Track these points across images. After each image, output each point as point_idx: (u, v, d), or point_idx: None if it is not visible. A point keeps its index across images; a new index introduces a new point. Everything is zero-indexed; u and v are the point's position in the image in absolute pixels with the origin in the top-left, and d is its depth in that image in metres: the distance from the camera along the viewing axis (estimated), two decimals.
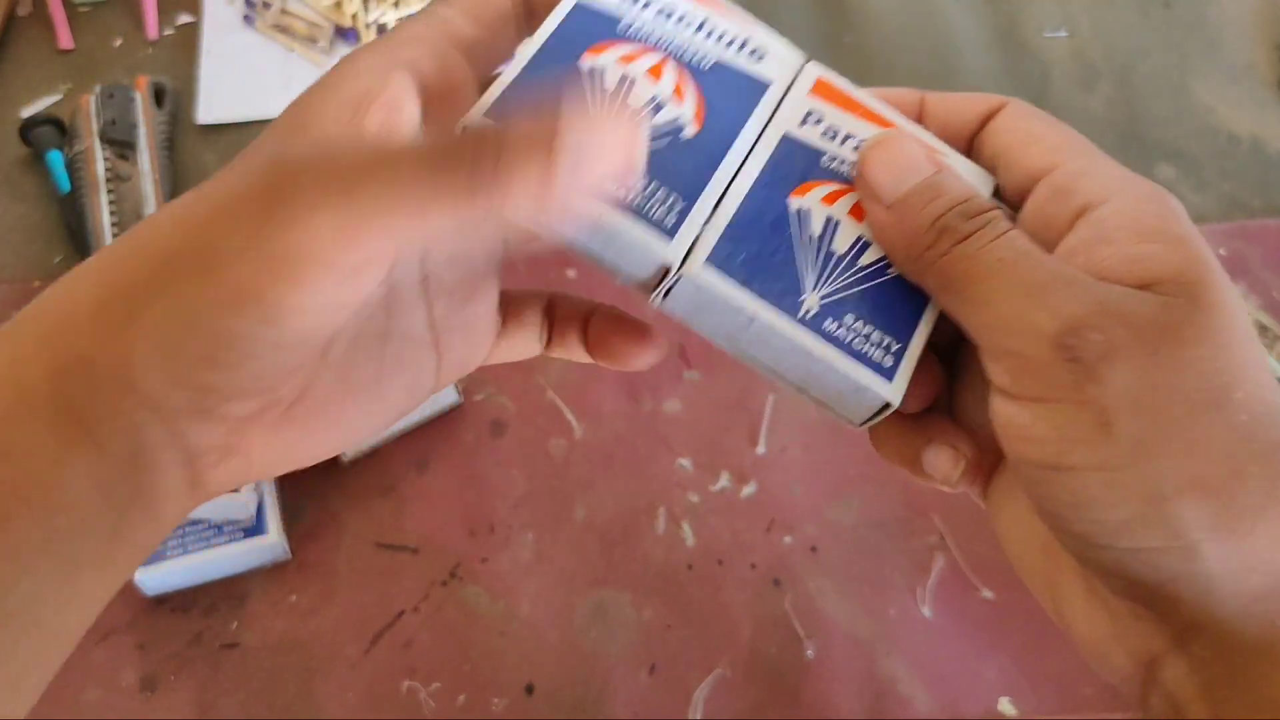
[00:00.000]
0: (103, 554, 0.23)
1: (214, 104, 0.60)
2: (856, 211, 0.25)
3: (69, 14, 0.63)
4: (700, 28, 0.26)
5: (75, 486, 0.21)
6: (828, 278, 0.24)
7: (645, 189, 0.23)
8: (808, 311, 0.24)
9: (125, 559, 0.24)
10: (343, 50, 0.62)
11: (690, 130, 0.24)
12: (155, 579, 0.44)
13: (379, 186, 0.20)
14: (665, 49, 0.25)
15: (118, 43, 0.63)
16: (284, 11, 0.63)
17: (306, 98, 0.24)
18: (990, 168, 0.26)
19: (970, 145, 0.26)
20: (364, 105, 0.23)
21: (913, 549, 0.48)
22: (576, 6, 0.25)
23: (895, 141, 0.24)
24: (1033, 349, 0.21)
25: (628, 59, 0.25)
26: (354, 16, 0.62)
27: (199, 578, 0.45)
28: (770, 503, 0.49)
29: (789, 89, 0.26)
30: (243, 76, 0.61)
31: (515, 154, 0.19)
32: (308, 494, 0.48)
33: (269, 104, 0.60)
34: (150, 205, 0.54)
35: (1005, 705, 0.44)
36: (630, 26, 0.25)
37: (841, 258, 0.24)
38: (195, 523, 0.45)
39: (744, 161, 0.25)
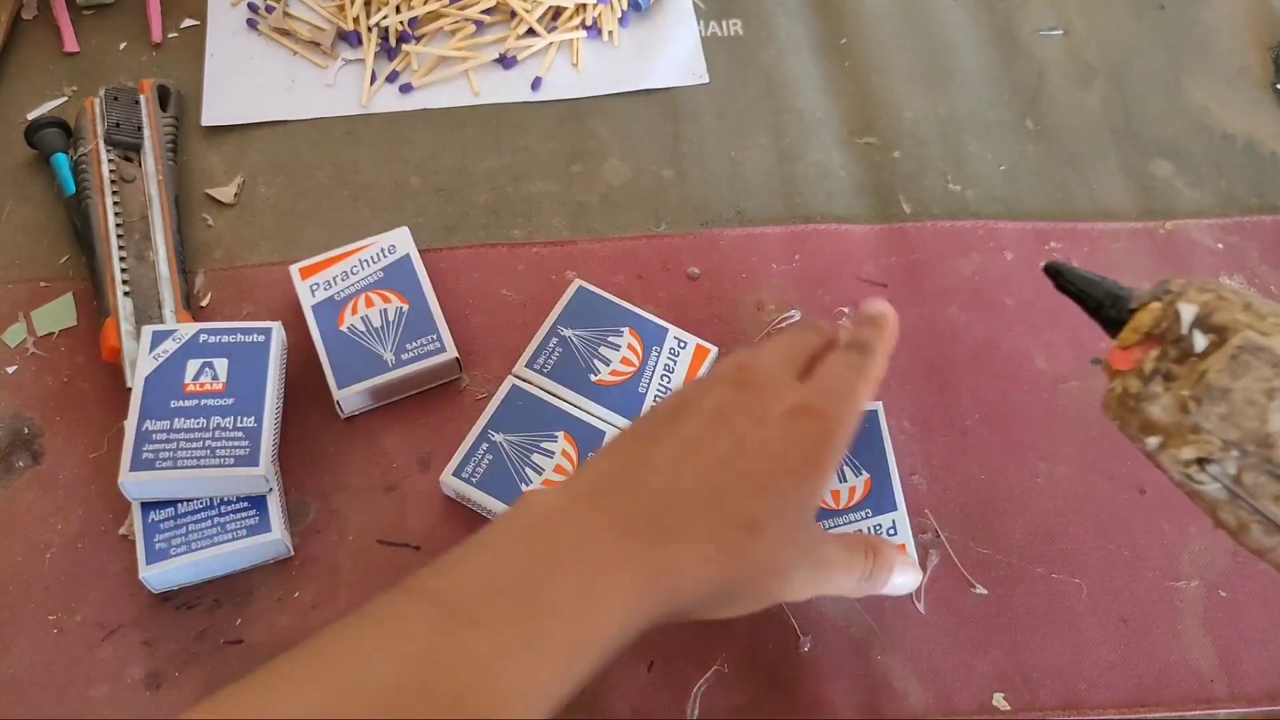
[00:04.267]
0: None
1: (218, 106, 0.61)
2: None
3: (74, 17, 0.64)
4: None
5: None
6: None
7: None
8: None
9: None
10: (346, 53, 0.63)
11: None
12: (161, 576, 0.45)
13: (828, 569, 0.39)
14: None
15: (122, 46, 0.63)
16: (287, 15, 0.64)
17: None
18: None
19: None
20: None
21: None
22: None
23: None
24: None
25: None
26: (356, 20, 0.63)
27: (203, 574, 0.46)
28: None
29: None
30: (247, 79, 0.62)
31: (883, 566, 0.41)
32: (311, 492, 0.49)
33: (273, 106, 0.61)
34: (155, 206, 0.54)
35: (999, 700, 0.45)
36: None
37: None
38: (199, 520, 0.45)
39: None
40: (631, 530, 0.34)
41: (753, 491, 0.36)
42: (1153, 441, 0.31)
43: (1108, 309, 0.34)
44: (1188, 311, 0.30)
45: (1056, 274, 0.36)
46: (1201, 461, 0.29)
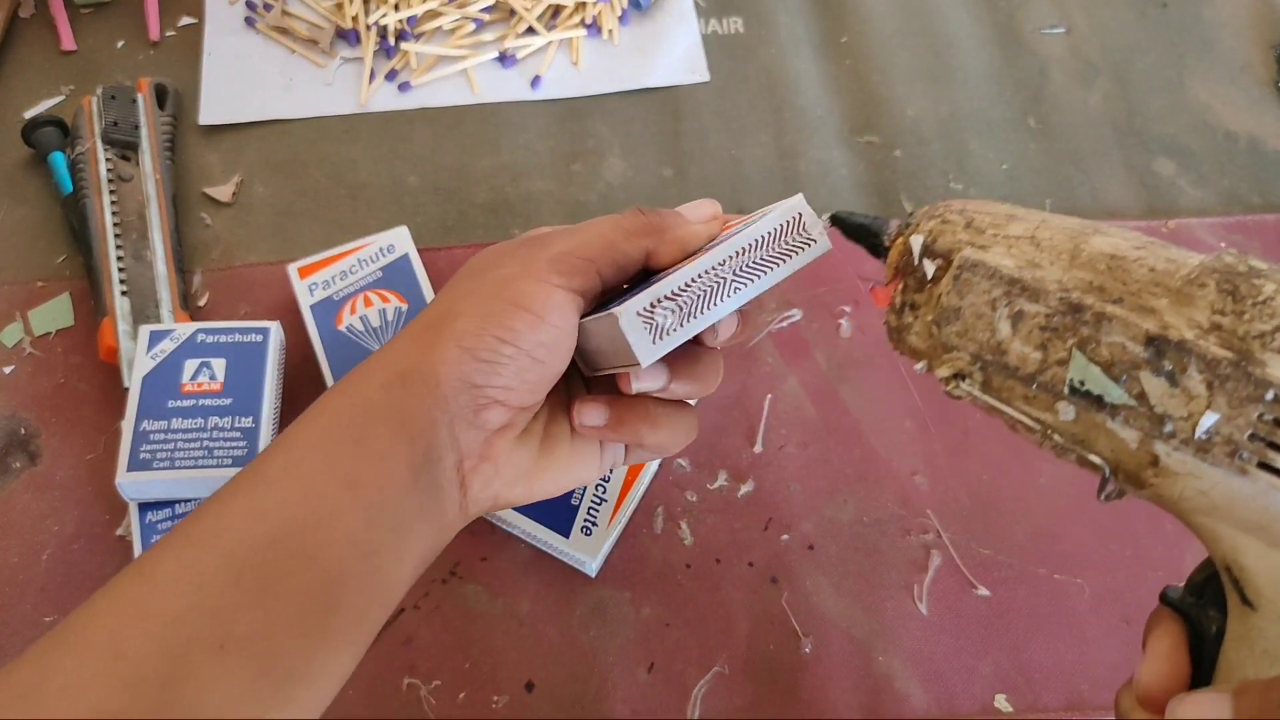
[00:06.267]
0: (414, 524, 0.32)
1: (216, 105, 0.61)
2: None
3: (71, 15, 0.64)
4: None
5: (398, 469, 0.32)
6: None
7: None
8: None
9: (429, 536, 0.33)
10: (344, 51, 0.63)
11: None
12: None
13: (587, 237, 0.35)
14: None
15: (120, 44, 0.63)
16: (285, 13, 0.63)
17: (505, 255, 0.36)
18: None
19: None
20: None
21: (909, 547, 0.48)
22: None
23: None
24: None
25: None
26: (354, 18, 0.62)
27: None
28: (767, 501, 0.49)
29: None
30: (244, 78, 0.62)
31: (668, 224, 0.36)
32: None
33: (270, 105, 0.61)
34: (153, 206, 0.54)
35: (1001, 702, 0.45)
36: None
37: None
38: None
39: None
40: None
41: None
42: (920, 366, 0.33)
43: (879, 250, 0.35)
44: (915, 242, 0.32)
45: (836, 222, 0.36)
46: (958, 376, 0.31)
